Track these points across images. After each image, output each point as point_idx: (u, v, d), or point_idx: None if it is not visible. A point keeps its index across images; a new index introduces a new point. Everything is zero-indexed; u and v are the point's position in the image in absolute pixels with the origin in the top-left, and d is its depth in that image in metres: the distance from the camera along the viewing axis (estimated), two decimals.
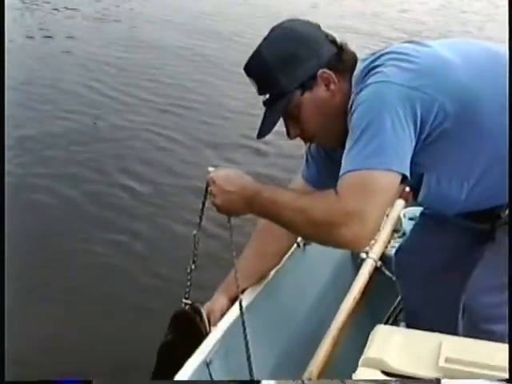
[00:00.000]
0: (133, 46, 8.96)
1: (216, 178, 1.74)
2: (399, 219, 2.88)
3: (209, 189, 1.77)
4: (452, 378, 1.32)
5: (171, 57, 8.46)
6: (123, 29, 10.00)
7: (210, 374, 1.78)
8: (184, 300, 1.95)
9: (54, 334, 3.16)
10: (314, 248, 2.36)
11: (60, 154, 5.41)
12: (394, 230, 2.85)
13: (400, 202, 2.97)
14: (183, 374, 1.71)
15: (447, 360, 1.36)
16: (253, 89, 1.79)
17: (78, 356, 2.99)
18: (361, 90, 1.60)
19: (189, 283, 1.96)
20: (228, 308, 1.98)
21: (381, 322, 2.33)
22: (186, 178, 5.00)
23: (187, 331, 1.91)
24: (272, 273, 2.17)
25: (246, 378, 1.78)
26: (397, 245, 2.74)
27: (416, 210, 2.86)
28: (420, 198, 1.78)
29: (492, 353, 1.37)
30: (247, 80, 1.78)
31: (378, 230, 1.65)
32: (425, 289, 2.07)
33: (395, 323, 2.46)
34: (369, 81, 1.60)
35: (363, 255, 2.64)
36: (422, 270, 2.07)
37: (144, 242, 4.12)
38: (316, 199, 1.62)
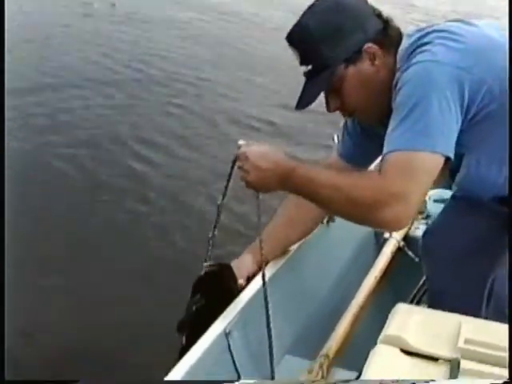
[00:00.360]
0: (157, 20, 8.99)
1: (249, 154, 1.68)
2: (424, 201, 2.86)
3: (238, 163, 1.73)
4: (470, 359, 1.32)
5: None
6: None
7: (229, 345, 1.80)
8: (205, 263, 1.96)
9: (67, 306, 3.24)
10: (338, 225, 2.36)
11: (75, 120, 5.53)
12: (419, 212, 2.83)
13: None
14: (202, 343, 1.73)
15: (466, 341, 1.36)
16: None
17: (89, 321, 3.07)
18: (407, 68, 1.58)
19: (210, 247, 1.96)
20: (253, 267, 1.99)
21: (402, 302, 2.33)
22: (204, 152, 5.06)
23: (218, 289, 1.91)
24: (295, 248, 2.17)
25: (265, 350, 1.80)
26: (421, 226, 2.75)
27: (441, 193, 2.85)
28: (458, 179, 1.77)
29: None
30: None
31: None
32: (453, 271, 2.06)
33: (418, 305, 2.45)
34: (416, 59, 1.58)
35: (386, 235, 2.64)
36: (451, 252, 2.05)
37: (159, 212, 4.17)
38: (358, 178, 1.62)
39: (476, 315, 1.64)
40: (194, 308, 1.91)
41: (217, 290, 1.92)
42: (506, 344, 1.32)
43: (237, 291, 1.93)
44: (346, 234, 2.45)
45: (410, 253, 2.59)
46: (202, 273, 1.95)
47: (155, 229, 4.01)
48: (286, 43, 1.75)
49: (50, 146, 5.02)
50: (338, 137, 2.23)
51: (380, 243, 2.64)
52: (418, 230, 2.74)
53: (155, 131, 5.43)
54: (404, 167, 1.52)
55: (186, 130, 5.53)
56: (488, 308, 1.95)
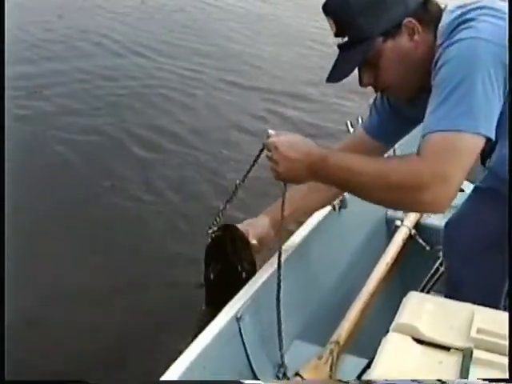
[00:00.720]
0: None
1: (278, 145, 1.64)
2: None
3: (267, 153, 1.69)
4: (483, 349, 1.32)
5: None
6: None
7: (240, 329, 1.81)
8: (209, 230, 1.95)
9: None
10: (350, 212, 2.36)
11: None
12: None
13: None
14: (213, 327, 1.73)
15: (479, 331, 1.35)
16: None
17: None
18: (450, 45, 1.53)
19: (218, 218, 1.97)
20: (268, 230, 1.99)
21: (412, 290, 2.33)
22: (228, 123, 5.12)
23: (230, 251, 1.91)
24: (306, 233, 2.17)
25: (276, 334, 1.80)
26: (433, 215, 2.74)
27: None
28: (490, 163, 1.74)
29: None
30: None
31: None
32: (474, 262, 2.03)
33: (428, 294, 2.44)
34: (459, 36, 1.53)
35: (398, 222, 2.63)
36: (474, 243, 2.03)
37: (165, 202, 4.16)
38: (396, 162, 1.59)
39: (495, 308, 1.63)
40: (211, 276, 1.92)
41: (228, 252, 1.91)
42: None
43: (249, 250, 1.91)
44: (357, 220, 2.45)
45: (421, 241, 2.58)
46: (209, 240, 1.94)
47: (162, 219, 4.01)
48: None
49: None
50: (351, 123, 2.22)
51: (391, 231, 2.63)
52: (430, 218, 2.73)
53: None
54: (446, 148, 1.48)
55: None
56: (505, 302, 1.93)
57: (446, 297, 2.18)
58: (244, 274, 1.93)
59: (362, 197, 1.72)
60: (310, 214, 2.15)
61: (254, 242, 1.94)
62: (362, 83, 1.73)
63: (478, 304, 1.48)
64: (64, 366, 2.70)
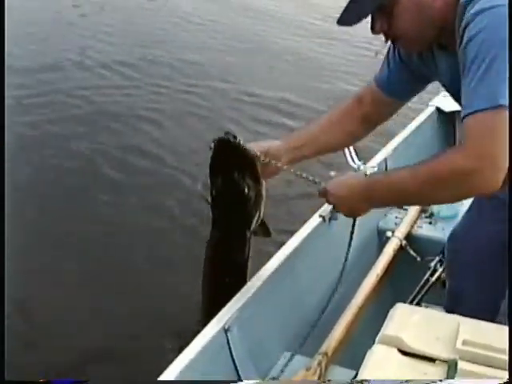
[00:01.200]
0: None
1: (329, 189, 1.79)
2: None
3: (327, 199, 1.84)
4: (469, 360, 1.32)
5: None
6: None
7: (228, 341, 1.80)
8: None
9: None
10: (340, 223, 2.35)
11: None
12: (422, 210, 2.82)
13: None
14: (201, 339, 1.73)
15: (465, 342, 1.35)
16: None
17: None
18: (480, 12, 1.46)
19: None
20: (278, 148, 1.96)
21: (403, 301, 2.33)
22: None
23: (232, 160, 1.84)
24: (296, 245, 2.17)
25: (264, 346, 1.80)
26: (424, 225, 2.75)
27: None
28: None
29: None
30: None
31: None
32: (475, 275, 2.03)
33: (419, 305, 2.44)
34: (490, 3, 1.45)
35: (389, 234, 2.63)
36: (476, 256, 2.03)
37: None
38: (441, 157, 1.55)
39: (492, 320, 1.62)
40: (213, 192, 1.89)
41: (231, 165, 1.85)
42: (504, 346, 1.32)
43: (253, 164, 1.86)
44: (348, 231, 2.44)
45: (411, 252, 2.58)
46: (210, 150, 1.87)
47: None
48: None
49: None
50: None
51: (382, 242, 2.63)
52: (421, 228, 2.74)
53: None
54: (488, 129, 1.44)
55: None
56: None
57: (445, 309, 2.18)
58: (247, 191, 1.86)
59: (423, 204, 1.69)
60: (323, 152, 2.10)
61: (257, 152, 1.88)
62: (373, 30, 1.67)
63: (478, 316, 1.48)
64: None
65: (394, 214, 2.82)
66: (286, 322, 2.05)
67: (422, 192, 1.58)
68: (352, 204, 1.76)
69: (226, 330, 1.80)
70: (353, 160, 2.56)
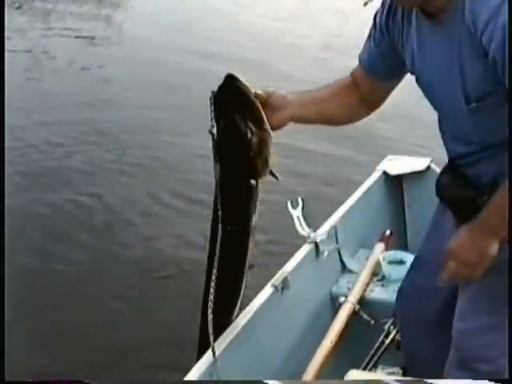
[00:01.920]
0: None
1: (455, 250, 1.71)
2: (378, 262, 2.90)
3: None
4: None
5: None
6: None
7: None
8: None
9: None
10: (292, 292, 2.38)
11: None
12: (373, 274, 2.87)
13: (380, 246, 2.99)
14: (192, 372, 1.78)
15: None
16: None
17: None
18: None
19: None
20: (283, 99, 1.91)
21: (359, 366, 2.34)
22: None
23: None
24: (251, 315, 2.18)
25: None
26: (376, 288, 2.79)
27: (396, 254, 2.89)
28: None
29: None
30: None
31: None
32: (426, 333, 2.05)
33: (375, 367, 2.46)
34: None
35: (342, 299, 2.65)
36: (424, 314, 2.07)
37: None
38: None
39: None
40: (215, 134, 1.81)
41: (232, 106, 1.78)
42: None
43: (255, 106, 1.78)
44: (301, 299, 2.47)
45: (365, 316, 2.61)
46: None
47: None
48: None
49: None
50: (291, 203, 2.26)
51: (336, 307, 2.65)
52: (373, 292, 2.77)
53: None
54: None
55: None
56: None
57: (402, 369, 2.20)
58: (250, 135, 1.78)
59: None
60: (320, 121, 2.09)
61: (260, 91, 1.82)
62: None
63: (434, 373, 1.49)
64: None
65: (345, 278, 2.85)
66: None
67: None
68: (481, 252, 1.65)
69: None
70: (302, 228, 2.61)
